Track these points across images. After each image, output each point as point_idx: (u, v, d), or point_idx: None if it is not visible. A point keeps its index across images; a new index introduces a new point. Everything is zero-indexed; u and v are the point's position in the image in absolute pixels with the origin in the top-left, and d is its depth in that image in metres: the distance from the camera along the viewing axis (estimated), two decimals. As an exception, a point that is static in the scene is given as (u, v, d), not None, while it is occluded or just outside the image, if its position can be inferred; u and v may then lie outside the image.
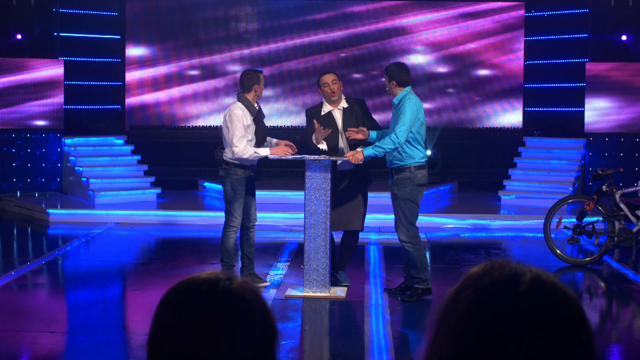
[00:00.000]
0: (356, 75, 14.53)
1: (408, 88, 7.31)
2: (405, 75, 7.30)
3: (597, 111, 13.12)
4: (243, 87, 7.75)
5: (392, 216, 11.36)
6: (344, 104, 7.68)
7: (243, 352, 1.39)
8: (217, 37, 14.47)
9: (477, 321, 1.24)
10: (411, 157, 7.23)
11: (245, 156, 7.49)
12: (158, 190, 13.05)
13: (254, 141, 7.65)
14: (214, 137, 8.32)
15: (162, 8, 14.42)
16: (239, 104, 7.66)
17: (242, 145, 7.49)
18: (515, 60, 14.47)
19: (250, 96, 7.70)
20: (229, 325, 1.39)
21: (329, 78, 7.58)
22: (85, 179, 12.81)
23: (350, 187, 7.67)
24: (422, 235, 9.00)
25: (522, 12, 14.44)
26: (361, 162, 7.30)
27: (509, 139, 14.25)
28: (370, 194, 12.39)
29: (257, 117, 7.74)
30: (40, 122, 13.33)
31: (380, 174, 14.02)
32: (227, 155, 7.68)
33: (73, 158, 13.28)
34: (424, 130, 7.31)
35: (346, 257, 7.91)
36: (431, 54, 14.39)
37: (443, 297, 1.32)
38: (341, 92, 7.68)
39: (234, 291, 1.43)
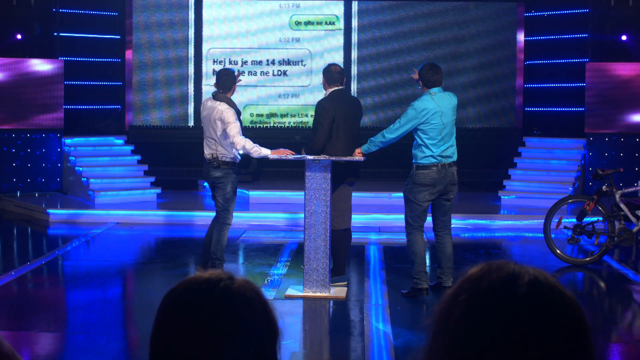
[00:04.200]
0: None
1: (434, 89, 7.42)
2: (431, 77, 7.49)
3: (597, 111, 13.12)
4: (222, 87, 7.96)
5: (392, 216, 11.46)
6: (325, 96, 7.86)
7: (244, 352, 1.39)
8: (218, 37, 14.46)
9: (475, 324, 1.24)
10: (414, 157, 7.49)
11: (248, 148, 7.65)
12: (158, 190, 13.06)
13: None
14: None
15: (163, 7, 14.41)
16: (225, 104, 7.82)
17: (243, 138, 7.70)
18: (515, 60, 14.48)
19: (229, 95, 7.94)
20: (230, 325, 1.39)
21: None
22: (85, 179, 12.81)
23: None
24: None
25: (522, 11, 14.44)
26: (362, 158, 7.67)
27: (509, 139, 14.25)
28: (370, 194, 12.53)
29: (238, 115, 7.97)
30: (40, 122, 13.33)
31: (380, 174, 14.03)
32: (228, 155, 7.84)
33: (73, 158, 13.28)
34: (435, 132, 7.36)
35: (336, 259, 7.87)
36: (430, 53, 14.38)
37: (441, 299, 1.33)
38: (323, 86, 7.90)
39: (235, 290, 1.43)
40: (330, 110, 7.59)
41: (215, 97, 7.94)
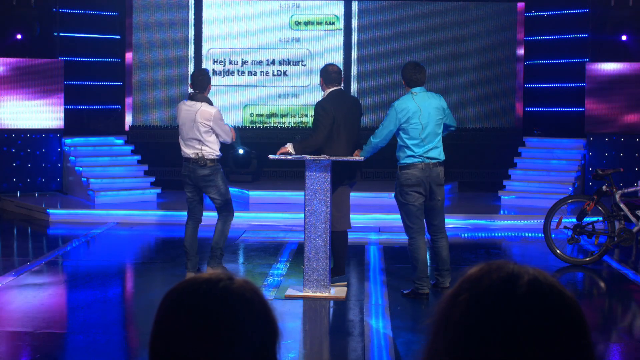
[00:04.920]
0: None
1: (415, 89, 7.39)
2: (413, 75, 7.44)
3: (597, 111, 13.12)
4: (199, 88, 8.07)
5: (392, 216, 11.46)
6: (324, 96, 7.87)
7: (244, 352, 1.39)
8: (218, 37, 14.47)
9: (475, 324, 1.24)
10: (398, 158, 7.47)
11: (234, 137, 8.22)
12: (158, 190, 13.06)
13: None
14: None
15: (163, 7, 14.41)
16: (206, 104, 8.01)
17: (231, 132, 8.15)
18: (515, 60, 14.47)
19: (206, 94, 8.07)
20: (230, 325, 1.39)
21: None
22: (85, 179, 12.82)
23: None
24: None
25: (522, 11, 14.44)
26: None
27: (509, 139, 14.25)
28: (370, 194, 12.52)
29: None
30: (40, 122, 13.33)
31: (380, 174, 14.02)
32: (215, 152, 8.04)
33: (73, 158, 13.28)
34: (416, 132, 7.32)
35: (336, 259, 7.87)
36: (430, 53, 14.38)
37: (441, 299, 1.33)
38: (322, 87, 7.89)
39: (235, 291, 1.43)
40: (330, 111, 7.59)
41: (194, 97, 8.06)
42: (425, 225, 7.58)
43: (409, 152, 7.33)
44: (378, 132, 7.46)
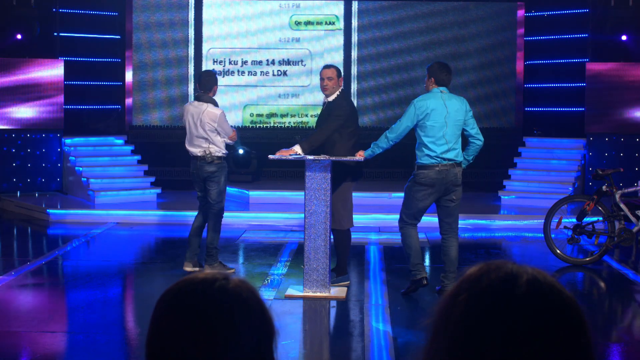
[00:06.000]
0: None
1: (442, 89, 7.40)
2: (445, 75, 7.42)
3: (597, 111, 13.12)
4: (205, 88, 8.33)
5: (392, 216, 11.46)
6: (331, 98, 7.77)
7: (240, 352, 1.39)
8: (218, 37, 14.46)
9: (474, 324, 1.24)
10: (417, 157, 7.45)
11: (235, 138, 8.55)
12: (158, 190, 13.06)
13: None
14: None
15: (163, 7, 14.41)
16: (212, 105, 8.25)
17: (232, 133, 8.44)
18: (515, 59, 14.47)
19: (211, 95, 8.31)
20: (226, 325, 1.39)
21: (325, 74, 7.79)
22: (85, 179, 12.81)
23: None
24: (421, 235, 9.03)
25: (522, 11, 14.44)
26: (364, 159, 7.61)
27: (509, 139, 14.24)
28: (370, 194, 12.52)
29: None
30: (40, 122, 13.33)
31: (380, 174, 14.02)
32: (222, 150, 8.30)
33: (73, 158, 13.28)
34: (435, 131, 7.32)
35: (338, 258, 7.87)
36: (430, 53, 14.38)
37: (440, 299, 1.33)
38: (334, 89, 7.74)
39: (231, 290, 1.43)
40: (347, 112, 7.64)
41: (200, 98, 8.31)
42: (438, 224, 7.61)
43: (426, 152, 7.33)
44: (395, 127, 7.41)
